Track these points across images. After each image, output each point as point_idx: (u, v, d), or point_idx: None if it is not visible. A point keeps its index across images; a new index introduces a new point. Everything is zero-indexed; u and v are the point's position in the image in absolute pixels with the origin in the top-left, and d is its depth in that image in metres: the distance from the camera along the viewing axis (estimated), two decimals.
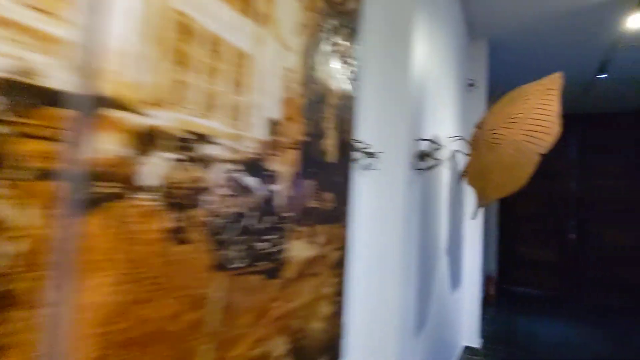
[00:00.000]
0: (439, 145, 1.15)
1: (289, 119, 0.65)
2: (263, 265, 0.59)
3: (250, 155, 0.57)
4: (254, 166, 0.58)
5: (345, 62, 0.85)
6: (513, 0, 2.59)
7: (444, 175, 2.06)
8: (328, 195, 0.77)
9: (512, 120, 1.92)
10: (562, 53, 3.32)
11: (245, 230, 0.55)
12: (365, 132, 1.07)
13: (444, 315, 2.18)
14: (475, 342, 3.03)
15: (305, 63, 0.71)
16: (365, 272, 1.09)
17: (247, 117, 0.56)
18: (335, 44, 0.81)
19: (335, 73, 0.82)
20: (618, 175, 5.12)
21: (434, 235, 1.83)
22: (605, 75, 3.46)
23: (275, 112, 0.62)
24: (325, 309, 0.75)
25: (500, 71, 3.55)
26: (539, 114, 1.87)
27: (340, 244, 0.82)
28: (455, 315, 2.61)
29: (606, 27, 2.81)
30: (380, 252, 1.08)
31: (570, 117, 5.30)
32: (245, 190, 0.55)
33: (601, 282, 5.08)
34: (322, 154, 0.77)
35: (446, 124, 2.13)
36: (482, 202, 1.97)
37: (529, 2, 2.60)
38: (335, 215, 0.81)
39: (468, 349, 2.99)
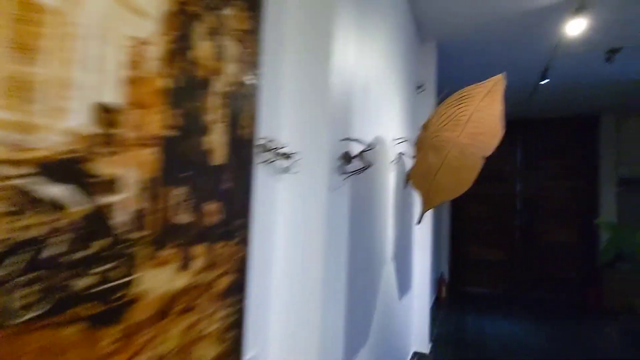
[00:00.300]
0: (370, 146, 1.01)
1: (139, 105, 0.48)
2: (87, 309, 0.41)
3: (59, 155, 0.39)
4: (65, 170, 0.40)
5: (241, 42, 0.69)
6: (461, 2, 2.54)
7: (390, 179, 1.94)
8: (211, 206, 0.61)
9: (457, 122, 1.84)
10: (510, 57, 3.34)
11: (45, 263, 0.38)
12: (281, 129, 0.90)
13: (391, 324, 2.07)
14: (424, 347, 2.95)
15: (169, 34, 0.54)
16: (282, 292, 0.92)
17: (49, 98, 0.39)
18: (223, 16, 0.64)
19: (226, 53, 0.66)
20: (558, 177, 5.30)
21: (377, 242, 1.70)
22: (547, 81, 3.52)
23: (112, 94, 0.45)
24: (209, 351, 0.58)
25: (450, 73, 3.53)
26: (482, 116, 1.80)
27: (234, 266, 0.66)
28: (404, 322, 2.51)
29: (549, 33, 2.83)
30: (299, 267, 0.91)
31: (516, 122, 5.45)
32: (43, 204, 0.37)
33: (545, 279, 5.23)
34: (203, 154, 0.60)
35: (393, 126, 2.02)
36: (427, 206, 1.87)
37: (477, 4, 2.56)
38: (224, 231, 0.64)
39: (416, 355, 2.91)
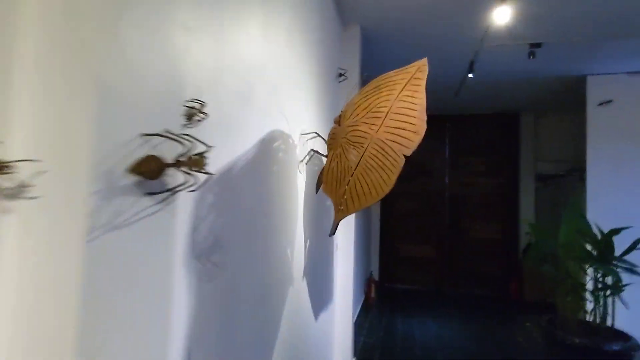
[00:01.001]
0: (207, 150, 0.67)
1: None
2: None
3: None
4: None
5: None
6: None
7: (299, 182, 1.61)
8: None
9: (375, 114, 1.55)
10: (437, 48, 3.18)
11: None
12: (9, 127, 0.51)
13: (304, 346, 1.75)
14: None
15: None
16: None
17: None
18: None
19: None
20: (483, 173, 5.40)
21: (277, 262, 1.36)
22: (471, 75, 3.44)
23: None
24: None
25: (376, 62, 3.30)
26: (404, 107, 1.53)
27: None
28: (323, 340, 2.22)
29: (476, 22, 2.68)
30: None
31: (444, 118, 5.46)
32: None
33: (471, 274, 5.31)
34: None
35: (306, 119, 1.69)
36: (340, 214, 1.57)
37: None
38: None
39: None
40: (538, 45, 2.87)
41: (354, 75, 2.64)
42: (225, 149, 0.97)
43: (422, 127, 1.51)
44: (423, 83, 1.55)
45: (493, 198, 5.34)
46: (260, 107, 1.21)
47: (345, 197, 1.58)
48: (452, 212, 5.48)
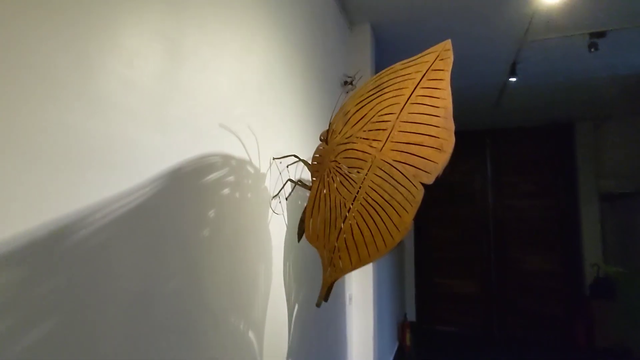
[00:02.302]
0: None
1: None
2: None
3: None
4: None
5: None
6: None
7: (274, 228, 1.15)
8: None
9: (378, 126, 1.08)
10: (469, 47, 2.66)
11: None
12: None
13: None
14: None
15: None
16: None
17: None
18: None
19: None
20: (532, 195, 4.69)
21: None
22: (514, 79, 2.88)
23: None
24: None
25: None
26: (420, 113, 1.05)
27: None
28: None
29: (517, 9, 2.16)
30: None
31: (484, 133, 4.84)
32: None
33: (525, 314, 4.54)
34: None
35: (284, 137, 1.24)
36: (332, 274, 1.07)
37: None
38: None
39: None
40: (601, 34, 2.30)
41: (366, 79, 2.18)
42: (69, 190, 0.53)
43: (449, 141, 1.02)
44: (447, 75, 1.06)
45: (547, 223, 4.61)
46: (183, 125, 0.76)
47: (338, 248, 1.09)
48: (497, 241, 4.78)
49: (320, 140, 1.15)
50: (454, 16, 2.26)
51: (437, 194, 4.95)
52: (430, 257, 5.01)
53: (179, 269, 0.76)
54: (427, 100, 1.05)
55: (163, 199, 0.73)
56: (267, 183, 1.12)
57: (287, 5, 1.42)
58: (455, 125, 0.99)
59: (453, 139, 1.00)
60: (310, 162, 1.15)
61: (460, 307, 4.83)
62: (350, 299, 2.03)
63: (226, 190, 0.91)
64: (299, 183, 1.21)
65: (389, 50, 2.60)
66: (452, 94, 1.02)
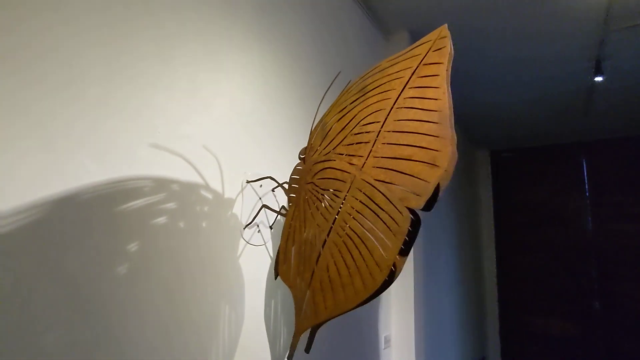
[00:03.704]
0: None
1: None
2: None
3: None
4: None
5: None
6: None
7: (246, 265, 1.01)
8: None
9: (359, 139, 0.89)
10: (535, 48, 2.29)
11: None
12: None
13: None
14: None
15: None
16: None
17: None
18: None
19: None
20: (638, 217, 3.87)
21: None
22: (601, 79, 2.40)
23: None
24: None
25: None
26: (408, 119, 0.84)
27: None
28: None
29: None
30: None
31: (576, 146, 4.17)
32: None
33: None
34: None
35: (266, 157, 1.11)
36: (304, 321, 0.89)
37: None
38: None
39: None
40: None
41: None
42: None
43: (445, 153, 0.80)
44: (443, 70, 0.85)
45: None
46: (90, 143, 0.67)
47: (313, 288, 0.89)
48: (600, 272, 4.01)
49: (300, 158, 0.98)
50: (513, 13, 1.95)
51: (519, 217, 4.35)
52: (516, 291, 4.37)
53: (63, 316, 0.64)
54: (417, 103, 0.83)
55: (45, 229, 0.62)
56: (236, 210, 0.97)
57: (299, 14, 1.32)
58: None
59: (450, 151, 0.77)
60: (288, 185, 0.98)
61: (556, 351, 4.10)
62: (387, 341, 1.77)
63: (161, 219, 0.79)
64: (280, 212, 1.04)
65: None
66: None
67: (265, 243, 1.06)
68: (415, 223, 0.88)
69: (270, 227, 1.09)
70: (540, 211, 4.34)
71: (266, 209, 1.02)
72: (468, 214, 3.63)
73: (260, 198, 1.06)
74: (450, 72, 0.87)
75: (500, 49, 2.28)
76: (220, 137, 0.96)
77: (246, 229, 1.00)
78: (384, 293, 1.80)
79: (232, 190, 0.97)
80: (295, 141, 1.24)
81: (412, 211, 0.81)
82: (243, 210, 1.00)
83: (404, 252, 0.89)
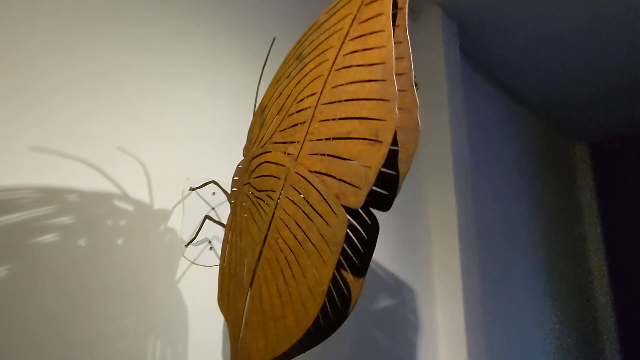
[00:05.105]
0: None
1: None
2: None
3: None
4: None
5: None
6: None
7: (190, 294, 0.85)
8: None
9: (296, 120, 0.68)
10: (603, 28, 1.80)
11: None
12: None
13: None
14: None
15: None
16: None
17: None
18: None
19: None
20: None
21: None
22: None
23: None
24: None
25: (476, 59, 2.07)
26: (348, 83, 0.60)
27: None
28: None
29: None
30: None
31: None
32: None
33: None
34: None
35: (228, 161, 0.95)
36: (241, 354, 0.67)
37: None
38: None
39: None
40: None
41: (439, 78, 1.64)
42: None
43: (389, 122, 0.55)
44: (388, 6, 0.59)
45: None
46: None
47: (245, 321, 0.68)
48: None
49: (244, 155, 0.79)
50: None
51: (636, 221, 3.52)
52: None
53: None
54: (358, 59, 0.60)
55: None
56: (173, 223, 0.81)
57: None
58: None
59: (395, 117, 0.52)
60: (230, 190, 0.79)
61: None
62: None
63: (48, 237, 0.65)
64: (220, 223, 0.85)
65: (473, 37, 1.94)
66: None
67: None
68: (371, 228, 0.63)
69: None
70: None
71: (209, 220, 0.83)
72: (562, 220, 2.98)
73: (213, 208, 0.88)
74: (407, 10, 0.61)
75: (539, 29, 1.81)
76: (147, 136, 0.81)
77: (189, 246, 0.82)
78: (425, 322, 1.47)
79: (168, 200, 0.81)
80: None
81: (354, 211, 0.57)
82: (185, 223, 0.83)
83: (359, 271, 0.63)
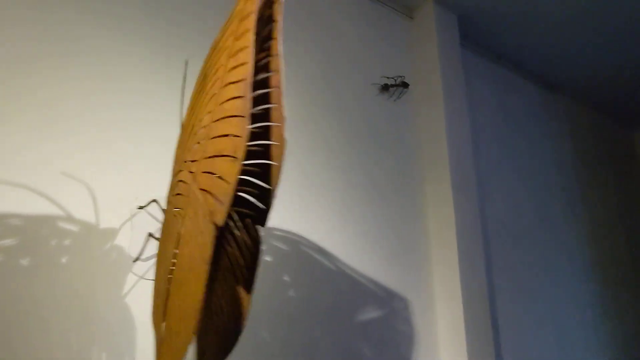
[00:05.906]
0: None
1: None
2: None
3: None
4: None
5: None
6: None
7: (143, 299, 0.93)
8: None
9: (198, 138, 0.71)
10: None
11: None
12: None
13: None
14: None
15: None
16: None
17: None
18: None
19: None
20: None
21: None
22: None
23: None
24: None
25: (479, 59, 1.91)
26: (227, 100, 0.62)
27: None
28: None
29: None
30: None
31: None
32: None
33: None
34: None
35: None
36: None
37: None
38: None
39: None
40: None
41: (433, 81, 1.55)
42: None
43: (241, 139, 0.55)
44: (252, 21, 0.60)
45: None
46: None
47: (162, 339, 0.71)
48: None
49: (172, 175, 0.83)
50: None
51: None
52: None
53: None
54: (233, 76, 0.61)
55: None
56: (120, 241, 0.86)
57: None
58: None
59: (246, 133, 0.52)
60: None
61: None
62: None
63: None
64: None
65: (476, 41, 1.80)
66: None
67: None
68: (256, 246, 0.62)
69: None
70: None
71: (152, 237, 0.88)
72: (620, 224, 2.57)
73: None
74: (281, 23, 0.61)
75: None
76: (94, 160, 0.87)
77: (138, 261, 0.87)
78: (431, 340, 1.36)
79: (115, 220, 0.87)
80: None
81: (222, 229, 0.57)
82: (134, 241, 0.88)
83: (248, 287, 0.63)
